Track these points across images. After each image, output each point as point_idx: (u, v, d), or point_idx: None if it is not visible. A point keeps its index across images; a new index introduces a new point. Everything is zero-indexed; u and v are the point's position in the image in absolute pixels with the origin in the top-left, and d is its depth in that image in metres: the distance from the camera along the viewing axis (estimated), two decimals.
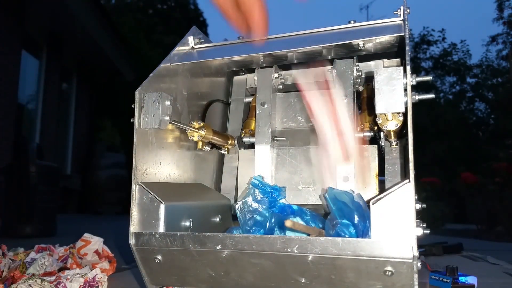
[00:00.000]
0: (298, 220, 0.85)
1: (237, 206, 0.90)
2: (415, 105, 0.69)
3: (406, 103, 0.66)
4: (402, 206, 0.63)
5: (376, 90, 0.67)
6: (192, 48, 1.04)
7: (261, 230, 0.84)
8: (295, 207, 0.90)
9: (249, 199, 0.89)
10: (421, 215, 0.66)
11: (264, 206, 0.88)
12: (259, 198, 0.89)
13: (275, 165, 1.02)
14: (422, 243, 1.67)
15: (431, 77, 0.74)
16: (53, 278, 0.89)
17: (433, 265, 1.15)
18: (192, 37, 1.05)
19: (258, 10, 0.52)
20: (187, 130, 0.92)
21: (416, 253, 0.61)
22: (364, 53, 0.93)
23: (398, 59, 1.01)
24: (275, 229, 0.83)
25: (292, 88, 1.11)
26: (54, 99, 5.58)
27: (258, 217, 0.87)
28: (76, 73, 6.48)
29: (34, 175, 2.67)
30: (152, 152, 0.84)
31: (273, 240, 0.67)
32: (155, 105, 0.80)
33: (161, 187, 0.84)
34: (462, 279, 0.96)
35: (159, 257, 0.76)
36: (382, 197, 0.64)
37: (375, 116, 0.72)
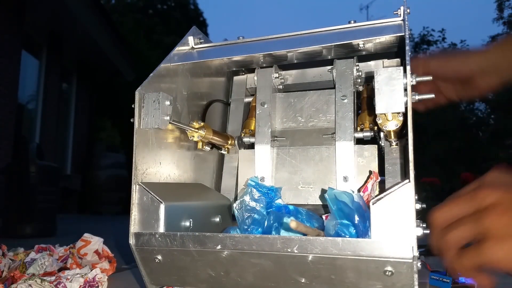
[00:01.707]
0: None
1: (234, 205, 0.90)
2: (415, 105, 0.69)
3: (406, 103, 0.66)
4: (402, 206, 0.63)
5: (376, 90, 0.67)
6: (192, 48, 1.04)
7: (259, 229, 0.84)
8: (291, 207, 0.90)
9: (247, 198, 0.89)
10: (421, 215, 0.66)
11: (261, 205, 0.88)
12: (256, 197, 0.89)
13: (275, 165, 1.02)
14: (422, 243, 1.66)
15: (431, 77, 0.74)
16: (53, 278, 0.89)
17: (433, 265, 1.14)
18: (192, 37, 1.04)
19: None
20: (187, 130, 0.91)
21: (416, 253, 0.61)
22: (364, 53, 0.93)
23: (398, 59, 1.01)
24: (273, 227, 0.83)
25: (292, 88, 1.11)
26: (54, 99, 5.59)
27: (256, 216, 0.87)
28: (76, 73, 6.49)
29: (34, 175, 2.67)
30: (152, 152, 0.84)
31: (273, 240, 0.67)
32: (155, 105, 0.80)
33: (161, 187, 0.84)
34: (462, 279, 0.96)
35: (159, 257, 0.76)
36: (382, 197, 0.64)
37: (375, 116, 0.72)
